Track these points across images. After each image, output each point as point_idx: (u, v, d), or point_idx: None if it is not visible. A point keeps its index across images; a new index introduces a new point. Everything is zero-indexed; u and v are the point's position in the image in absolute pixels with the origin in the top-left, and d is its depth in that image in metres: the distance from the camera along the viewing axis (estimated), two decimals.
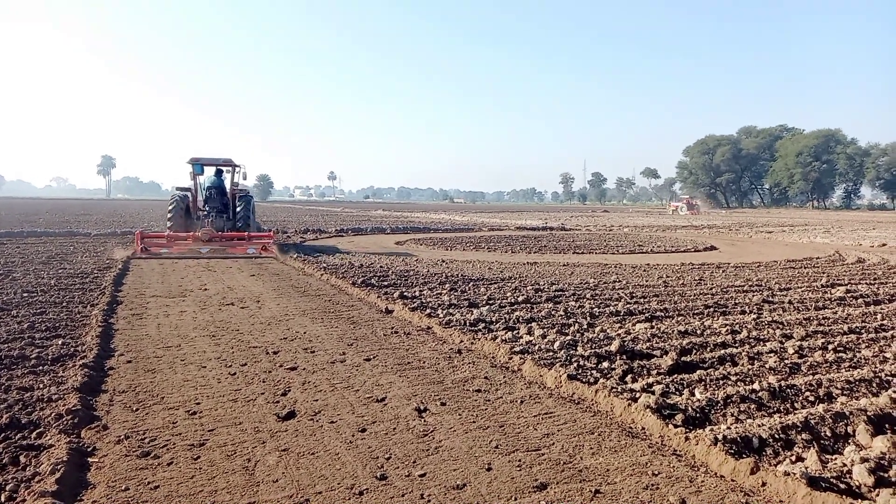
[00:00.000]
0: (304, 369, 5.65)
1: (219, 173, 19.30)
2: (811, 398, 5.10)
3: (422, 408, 4.64)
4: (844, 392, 5.25)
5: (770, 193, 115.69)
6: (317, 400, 4.80)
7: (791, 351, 6.52)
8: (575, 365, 5.85)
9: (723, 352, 6.45)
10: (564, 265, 14.97)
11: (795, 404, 4.99)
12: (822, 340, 6.97)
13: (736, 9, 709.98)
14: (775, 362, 6.02)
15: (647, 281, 11.90)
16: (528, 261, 15.98)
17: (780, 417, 4.58)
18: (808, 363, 6.02)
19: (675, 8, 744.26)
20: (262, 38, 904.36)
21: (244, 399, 4.81)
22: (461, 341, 6.93)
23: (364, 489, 3.34)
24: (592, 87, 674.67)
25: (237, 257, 16.18)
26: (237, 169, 19.10)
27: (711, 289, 10.89)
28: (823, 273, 13.68)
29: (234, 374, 5.48)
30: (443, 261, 15.55)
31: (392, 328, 7.49)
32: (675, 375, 5.64)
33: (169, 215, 18.58)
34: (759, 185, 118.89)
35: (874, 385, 5.44)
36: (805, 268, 15.01)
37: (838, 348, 6.70)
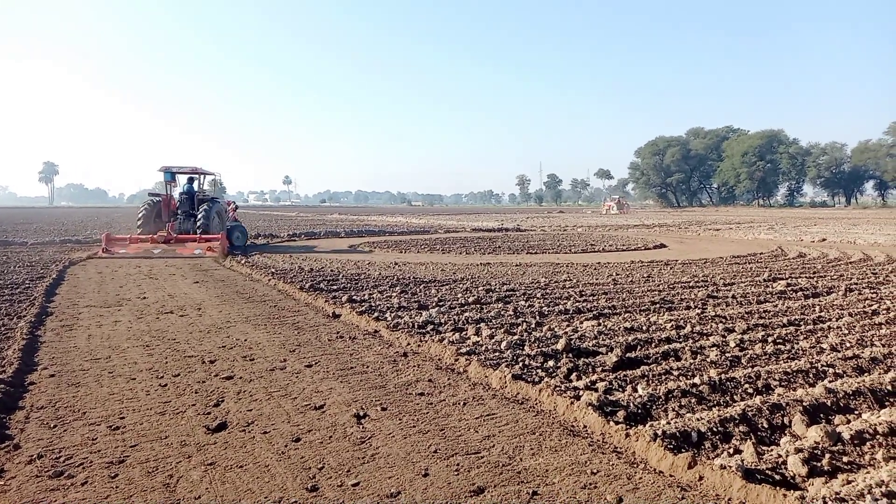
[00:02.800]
0: (240, 378, 5.43)
1: (191, 181, 20.98)
2: (750, 390, 5.16)
3: (361, 414, 4.49)
4: (782, 383, 5.33)
5: (718, 192, 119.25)
6: (251, 410, 4.59)
7: (732, 344, 6.62)
8: (521, 365, 5.79)
9: (667, 347, 6.50)
10: (517, 265, 15.00)
11: (735, 397, 5.04)
12: (763, 333, 7.11)
13: (684, 12, 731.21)
14: (717, 356, 6.09)
15: (596, 279, 12.00)
16: (482, 262, 15.96)
17: (720, 410, 4.61)
18: (749, 356, 6.12)
19: (623, 11, 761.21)
20: (220, 42, 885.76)
21: (173, 411, 4.57)
22: (408, 344, 6.80)
23: (292, 502, 3.18)
24: (547, 90, 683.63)
25: (184, 258, 17.05)
26: (205, 177, 21.13)
27: (659, 285, 11.05)
28: (766, 268, 14.08)
29: (166, 385, 5.22)
30: (396, 263, 15.39)
31: (337, 333, 7.30)
32: (620, 372, 5.64)
33: (139, 219, 20.03)
34: (708, 184, 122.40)
35: (811, 376, 5.55)
36: (749, 263, 15.42)
37: (777, 340, 6.84)
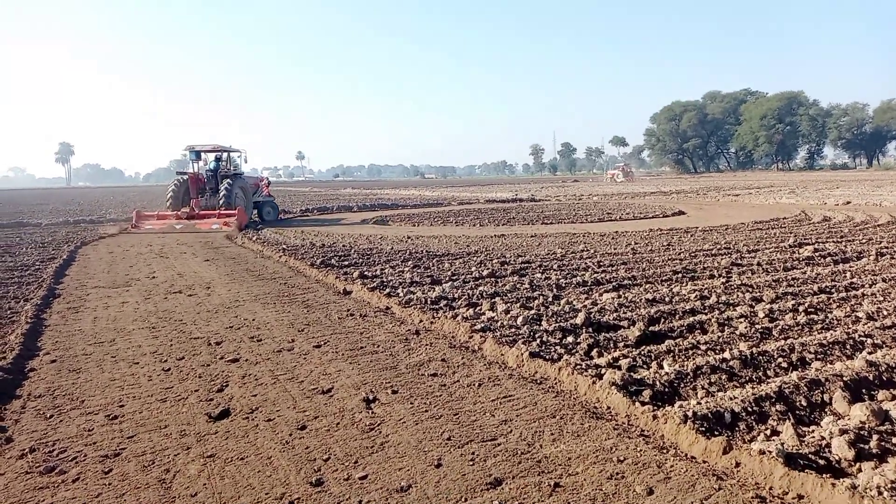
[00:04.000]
0: (246, 360, 5.21)
1: (217, 159, 22.27)
2: (784, 365, 4.84)
3: (371, 398, 4.25)
4: (818, 356, 5.01)
5: (736, 157, 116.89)
6: (255, 395, 4.37)
7: (761, 315, 6.28)
8: (538, 341, 5.51)
9: (692, 319, 6.18)
10: (532, 236, 14.66)
11: (768, 372, 4.73)
12: (793, 302, 6.75)
13: None
14: (746, 328, 5.76)
15: (615, 249, 11.64)
16: (496, 233, 15.63)
17: (753, 388, 4.31)
18: (780, 327, 5.78)
19: None
20: (230, 19, 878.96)
21: (174, 398, 4.36)
22: (420, 321, 6.55)
23: (295, 499, 2.95)
24: (560, 56, 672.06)
25: (203, 232, 17.88)
26: (229, 154, 22.35)
27: (680, 254, 10.67)
28: (791, 233, 13.60)
29: (169, 370, 5.02)
30: (408, 237, 15.11)
31: (348, 311, 7.06)
32: (643, 347, 5.34)
33: (168, 197, 21.17)
34: (726, 149, 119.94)
35: (848, 347, 5.21)
36: (772, 228, 14.94)
37: (809, 310, 6.49)
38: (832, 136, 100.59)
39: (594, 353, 5.24)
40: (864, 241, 11.84)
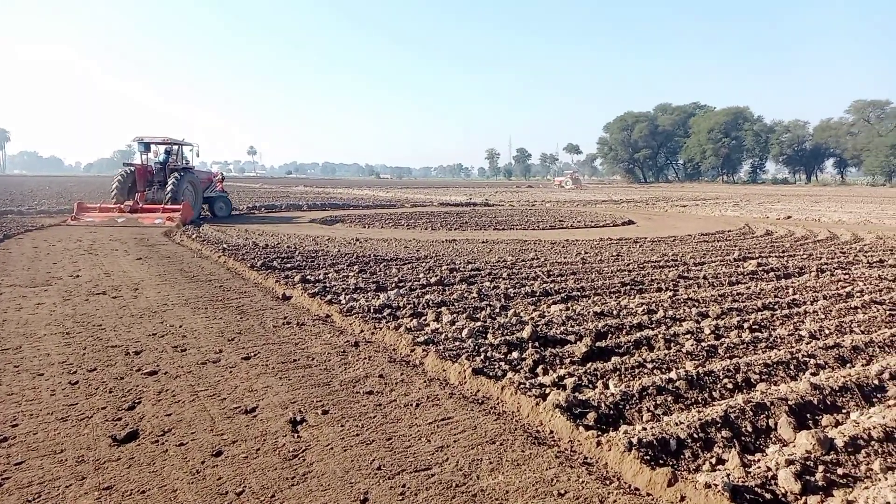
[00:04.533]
0: (166, 373, 4.79)
1: (168, 152, 21.45)
2: (730, 385, 4.74)
3: (298, 419, 3.92)
4: (763, 377, 4.94)
5: (684, 168, 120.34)
6: (169, 415, 3.98)
7: (707, 331, 6.22)
8: (483, 357, 5.27)
9: (639, 334, 6.06)
10: (484, 242, 14.49)
11: (714, 394, 4.62)
12: (738, 319, 6.73)
13: None
14: (692, 345, 5.67)
15: (565, 258, 11.56)
16: (448, 238, 15.40)
17: (699, 411, 4.16)
18: (725, 345, 5.71)
19: None
20: (181, 5, 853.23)
21: (77, 417, 3.93)
22: (361, 332, 6.23)
23: None
24: (517, 62, 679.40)
25: (145, 227, 17.35)
26: (180, 148, 21.79)
27: (629, 265, 10.65)
28: (735, 246, 13.85)
29: (76, 382, 4.55)
30: (357, 239, 14.72)
31: (285, 318, 6.68)
32: (590, 364, 5.17)
33: (113, 189, 20.43)
34: (675, 160, 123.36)
35: (792, 368, 5.17)
36: (718, 241, 15.20)
37: (754, 326, 6.47)
38: (774, 151, 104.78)
39: (539, 369, 5.03)
40: (804, 256, 12.12)
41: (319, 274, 9.29)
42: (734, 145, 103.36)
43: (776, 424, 4.04)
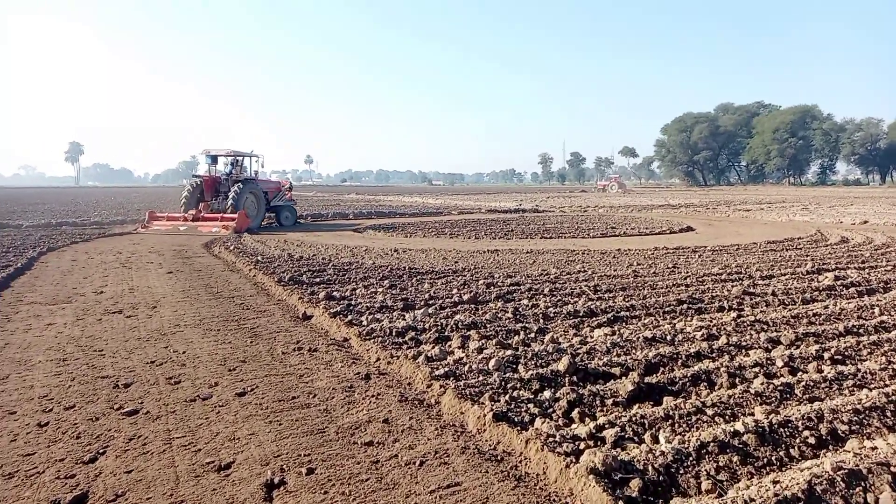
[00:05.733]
0: (146, 413, 4.25)
1: (232, 164, 22.78)
2: (811, 440, 3.83)
3: (276, 481, 3.28)
4: (853, 428, 4.00)
5: (747, 170, 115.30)
6: (130, 471, 3.41)
7: (780, 363, 5.27)
8: (509, 395, 4.52)
9: (697, 367, 5.18)
10: (528, 252, 13.67)
11: (791, 450, 3.73)
12: (817, 347, 5.73)
13: None
14: (762, 383, 4.74)
15: (615, 270, 10.64)
16: (490, 248, 14.65)
17: (774, 480, 3.30)
18: (804, 383, 4.76)
19: None
20: (239, 15, 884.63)
21: (26, 472, 3.40)
22: (377, 359, 5.58)
23: None
24: (572, 65, 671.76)
25: (203, 235, 18.38)
26: (242, 159, 22.82)
27: (686, 278, 9.65)
28: (807, 256, 12.56)
29: (46, 424, 4.06)
30: (395, 250, 14.14)
31: (297, 343, 6.10)
32: (636, 408, 4.36)
33: (182, 199, 21.81)
34: (737, 162, 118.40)
35: (889, 415, 4.20)
36: (787, 250, 13.88)
37: (836, 357, 5.48)
38: (845, 151, 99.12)
39: (575, 413, 4.24)
40: (888, 268, 10.79)
41: (347, 290, 8.72)
42: (801, 145, 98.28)
43: (877, 502, 3.14)
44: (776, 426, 3.93)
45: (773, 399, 4.51)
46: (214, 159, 22.89)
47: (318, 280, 9.57)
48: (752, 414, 4.17)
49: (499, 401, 4.37)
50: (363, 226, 22.61)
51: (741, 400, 4.42)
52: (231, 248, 14.36)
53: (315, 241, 16.77)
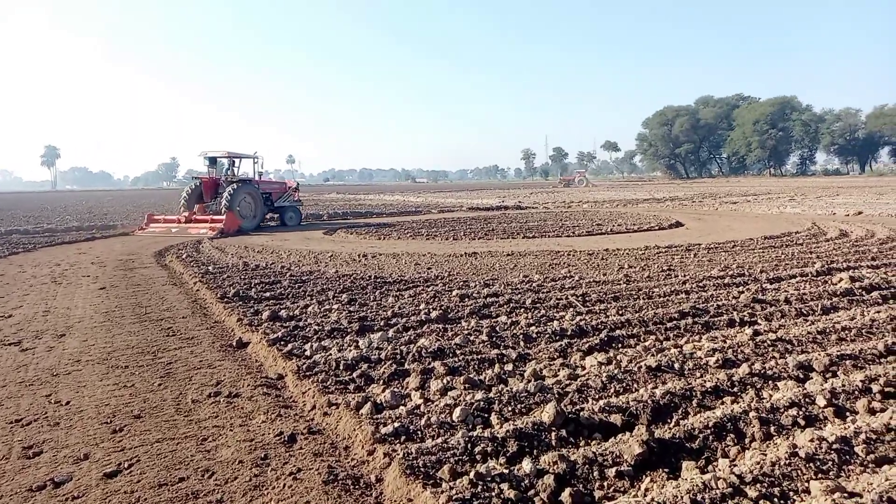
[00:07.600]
0: None
1: (230, 164, 22.62)
2: None
3: None
4: None
5: (728, 162, 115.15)
6: None
7: (822, 402, 4.15)
8: (476, 471, 3.33)
9: (719, 411, 4.04)
10: (509, 255, 12.51)
11: None
12: (861, 376, 4.63)
13: None
14: (808, 438, 3.61)
15: (604, 274, 9.51)
16: (469, 250, 13.45)
17: None
18: (863, 434, 3.63)
19: None
20: (228, 16, 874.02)
21: None
22: (312, 408, 4.39)
23: None
24: (552, 59, 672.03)
25: (192, 237, 18.09)
26: (237, 160, 22.53)
27: (684, 283, 8.54)
28: (811, 253, 11.54)
29: None
30: (364, 255, 12.89)
31: (217, 384, 4.88)
32: (646, 481, 3.21)
33: (182, 201, 21.73)
34: (718, 154, 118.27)
35: None
36: (787, 246, 12.86)
37: (888, 391, 4.37)
38: (825, 141, 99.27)
39: (566, 498, 3.08)
40: None
41: (298, 307, 7.50)
42: (781, 137, 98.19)
43: None
44: None
45: (829, 461, 3.37)
46: (213, 161, 22.71)
47: (267, 295, 8.32)
48: (808, 492, 3.04)
49: (460, 480, 3.19)
50: (336, 227, 21.31)
51: (788, 468, 3.27)
52: (184, 256, 13.04)
53: (279, 245, 15.47)
